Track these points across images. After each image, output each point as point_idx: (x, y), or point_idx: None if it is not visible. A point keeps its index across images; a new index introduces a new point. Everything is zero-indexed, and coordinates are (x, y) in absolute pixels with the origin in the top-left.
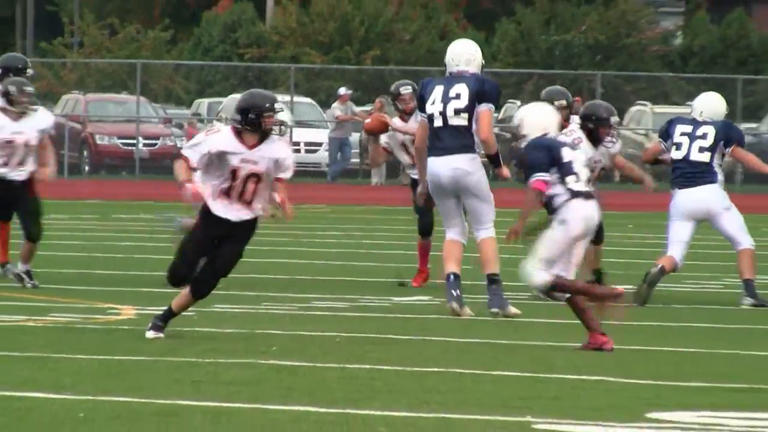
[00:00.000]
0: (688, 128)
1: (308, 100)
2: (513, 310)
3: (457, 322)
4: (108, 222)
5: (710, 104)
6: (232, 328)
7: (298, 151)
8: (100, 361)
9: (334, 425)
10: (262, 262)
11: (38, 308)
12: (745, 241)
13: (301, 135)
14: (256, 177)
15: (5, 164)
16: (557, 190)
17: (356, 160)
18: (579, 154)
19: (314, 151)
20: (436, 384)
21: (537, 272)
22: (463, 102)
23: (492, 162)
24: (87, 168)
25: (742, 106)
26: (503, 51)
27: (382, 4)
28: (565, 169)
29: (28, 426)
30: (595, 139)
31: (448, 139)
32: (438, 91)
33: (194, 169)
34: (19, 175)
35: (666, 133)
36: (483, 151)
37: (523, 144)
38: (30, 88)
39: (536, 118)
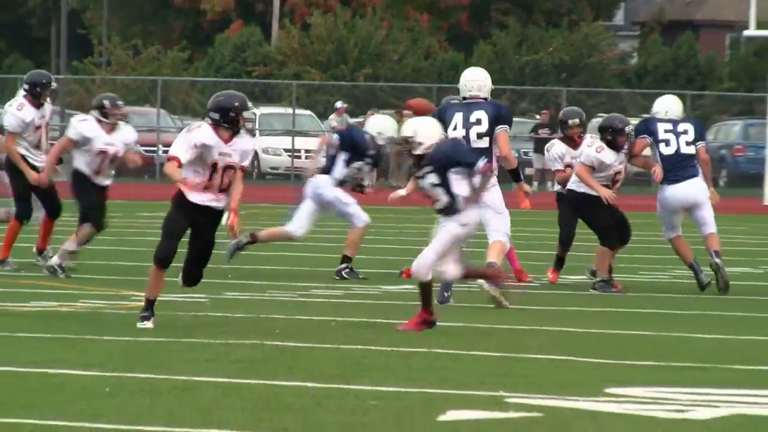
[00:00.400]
0: (669, 126)
1: (308, 112)
2: (500, 295)
3: (438, 308)
4: (132, 219)
5: (672, 105)
6: (240, 313)
7: (299, 157)
8: (125, 342)
9: (330, 398)
10: (267, 254)
11: (69, 295)
12: (714, 227)
13: (302, 143)
14: (232, 169)
15: (97, 172)
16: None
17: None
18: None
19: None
20: (421, 363)
21: (428, 266)
22: (484, 127)
23: (513, 176)
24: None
25: None
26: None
27: (373, 28)
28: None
29: (61, 398)
30: (614, 147)
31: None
32: (458, 117)
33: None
34: (106, 180)
35: (648, 131)
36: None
37: (419, 150)
38: (121, 103)
39: (430, 129)
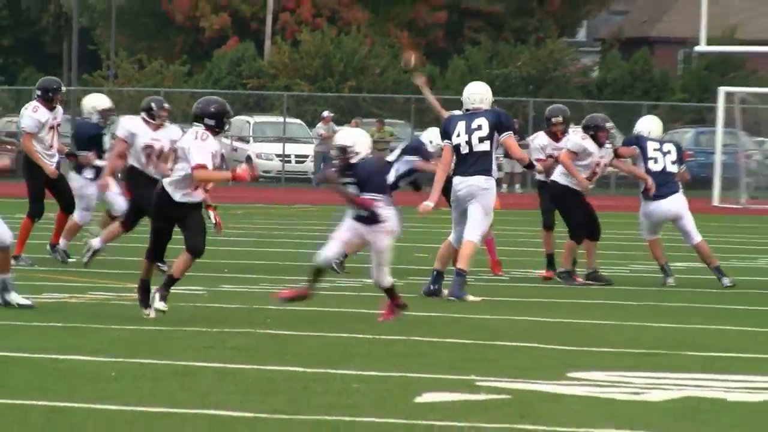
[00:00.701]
0: (657, 145)
1: (298, 120)
2: (470, 298)
3: (417, 299)
4: None
5: (654, 126)
6: (235, 304)
7: (289, 161)
8: (129, 330)
9: (317, 382)
10: (261, 251)
11: (79, 288)
12: (698, 235)
13: (292, 149)
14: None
15: (147, 165)
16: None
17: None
18: None
19: (302, 162)
20: (401, 349)
21: (387, 274)
22: (485, 131)
23: (528, 167)
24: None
25: None
26: (455, 82)
27: (357, 44)
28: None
29: (70, 382)
30: (597, 143)
31: (472, 164)
32: (461, 125)
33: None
34: (156, 174)
35: (639, 146)
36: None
37: (355, 160)
38: (168, 105)
39: (366, 140)
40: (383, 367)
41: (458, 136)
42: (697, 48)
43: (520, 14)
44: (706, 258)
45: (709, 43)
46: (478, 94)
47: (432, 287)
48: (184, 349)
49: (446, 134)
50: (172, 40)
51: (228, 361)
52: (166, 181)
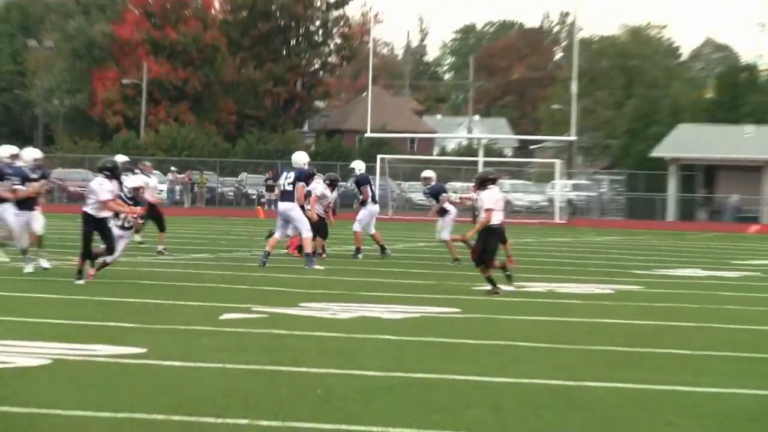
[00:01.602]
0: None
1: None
2: (318, 267)
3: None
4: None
5: (361, 165)
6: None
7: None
8: (66, 281)
9: (156, 306)
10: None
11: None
12: (371, 228)
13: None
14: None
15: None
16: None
17: (164, 195)
18: None
19: (160, 193)
20: (208, 291)
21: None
22: (291, 179)
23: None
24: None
25: None
26: (240, 153)
27: (188, 132)
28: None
29: (18, 306)
30: (331, 189)
31: (285, 196)
32: (284, 175)
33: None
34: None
35: (368, 181)
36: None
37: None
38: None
39: (146, 183)
40: (200, 299)
41: (281, 179)
42: (366, 135)
43: (274, 117)
44: (378, 242)
45: (372, 132)
46: (296, 158)
47: (264, 261)
48: (71, 288)
49: (277, 179)
50: (91, 129)
51: (107, 295)
52: (86, 208)
